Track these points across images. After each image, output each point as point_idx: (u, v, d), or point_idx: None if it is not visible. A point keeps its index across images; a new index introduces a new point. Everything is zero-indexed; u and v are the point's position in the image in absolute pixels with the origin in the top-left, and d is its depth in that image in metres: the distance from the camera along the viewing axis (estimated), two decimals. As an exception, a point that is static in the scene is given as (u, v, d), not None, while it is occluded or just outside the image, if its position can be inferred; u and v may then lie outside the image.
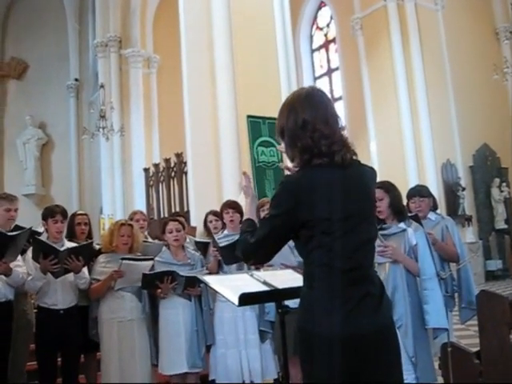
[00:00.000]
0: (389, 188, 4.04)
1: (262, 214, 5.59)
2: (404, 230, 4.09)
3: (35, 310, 5.01)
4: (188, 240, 5.57)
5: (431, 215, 5.07)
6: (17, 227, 4.79)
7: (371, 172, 2.40)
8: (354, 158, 2.32)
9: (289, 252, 3.21)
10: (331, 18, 16.94)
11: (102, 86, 14.28)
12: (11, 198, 5.02)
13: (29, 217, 6.27)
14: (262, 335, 5.00)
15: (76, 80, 17.89)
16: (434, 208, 5.21)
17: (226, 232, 5.28)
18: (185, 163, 11.41)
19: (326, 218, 2.18)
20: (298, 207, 2.19)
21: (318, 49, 17.76)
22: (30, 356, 5.02)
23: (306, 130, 2.25)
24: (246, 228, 2.45)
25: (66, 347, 4.74)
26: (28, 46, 17.96)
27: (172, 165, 12.89)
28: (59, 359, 4.86)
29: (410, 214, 4.89)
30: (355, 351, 2.14)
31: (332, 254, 2.19)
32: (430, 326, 3.93)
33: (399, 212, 4.10)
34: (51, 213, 4.82)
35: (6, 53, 18.26)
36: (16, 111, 17.84)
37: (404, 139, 13.58)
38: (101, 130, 13.71)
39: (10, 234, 4.32)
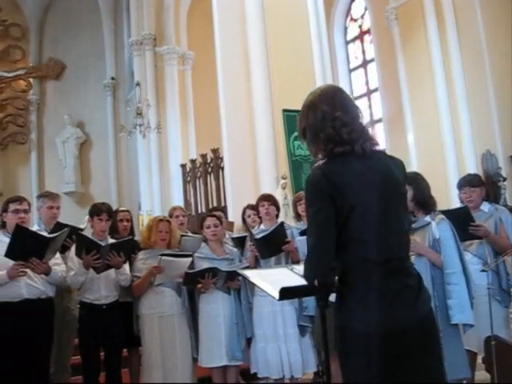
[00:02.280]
0: (412, 180, 3.83)
1: (300, 208, 5.59)
2: (428, 224, 4.00)
3: (78, 306, 5.11)
4: (227, 236, 5.60)
5: (484, 206, 4.82)
6: (58, 224, 4.88)
7: (397, 163, 2.37)
8: (377, 148, 2.32)
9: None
10: (365, 8, 16.75)
11: (137, 84, 14.39)
12: (53, 196, 5.12)
13: (69, 214, 6.37)
14: (302, 329, 5.00)
15: (112, 79, 18.05)
16: (487, 197, 4.94)
17: (262, 226, 5.30)
18: (221, 158, 11.43)
19: (355, 209, 2.16)
20: (330, 199, 2.16)
21: (353, 40, 17.57)
22: (73, 351, 5.12)
23: (327, 121, 2.28)
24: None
25: (108, 342, 4.82)
26: (65, 46, 18.22)
27: (208, 160, 12.93)
28: (102, 353, 4.95)
29: (460, 205, 4.79)
30: (395, 347, 2.10)
31: (366, 247, 2.16)
32: (453, 322, 3.83)
33: (425, 205, 4.02)
34: (97, 211, 4.91)
35: (44, 54, 18.55)
36: (55, 111, 18.12)
37: (442, 130, 13.35)
38: (137, 127, 13.83)
39: (49, 236, 4.40)
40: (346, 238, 2.17)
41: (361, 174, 2.20)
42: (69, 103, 17.81)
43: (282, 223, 5.18)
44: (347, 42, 17.75)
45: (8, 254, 4.22)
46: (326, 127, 2.28)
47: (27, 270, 4.31)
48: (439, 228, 3.99)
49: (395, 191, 2.27)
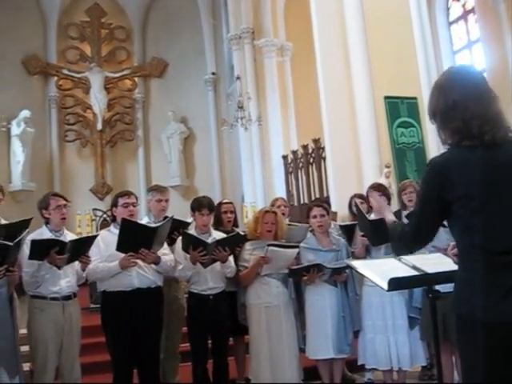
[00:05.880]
0: None
1: (405, 198, 5.46)
2: None
3: (186, 296, 5.27)
4: (332, 226, 5.57)
5: None
6: (166, 218, 5.04)
7: None
8: (510, 135, 2.21)
9: (443, 233, 3.09)
10: (469, -13, 16.09)
11: (238, 78, 14.58)
12: (162, 190, 5.29)
13: (176, 207, 6.53)
14: (411, 321, 4.90)
15: (213, 74, 18.37)
16: None
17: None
18: (323, 148, 11.38)
19: (470, 197, 2.12)
20: (443, 187, 2.17)
21: (456, 21, 16.91)
22: (182, 338, 5.30)
23: (457, 111, 2.20)
24: (395, 226, 2.54)
25: (215, 331, 4.95)
26: (167, 45, 18.72)
27: (310, 151, 12.91)
28: (209, 342, 5.07)
29: None
30: (504, 339, 2.03)
31: (481, 235, 2.11)
32: None
33: None
34: (198, 206, 5.01)
35: (148, 53, 19.16)
36: (159, 108, 18.68)
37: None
38: (239, 120, 14.01)
39: (153, 226, 4.56)
40: (464, 224, 2.16)
41: (484, 163, 2.14)
42: (172, 100, 18.33)
43: (400, 211, 5.07)
44: (450, 23, 17.10)
45: (118, 248, 4.43)
46: (455, 118, 2.21)
47: (138, 261, 4.51)
48: None
49: None
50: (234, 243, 4.97)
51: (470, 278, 2.14)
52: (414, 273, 2.59)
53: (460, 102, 2.20)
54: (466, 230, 2.16)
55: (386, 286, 2.44)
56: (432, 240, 2.38)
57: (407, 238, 2.38)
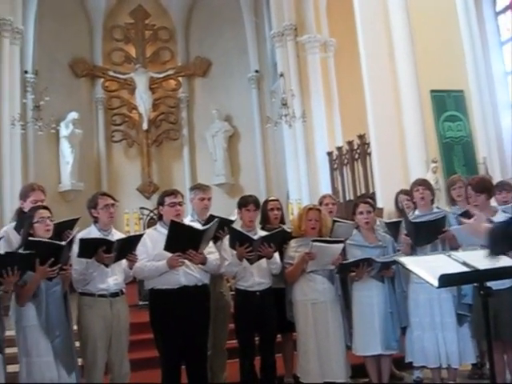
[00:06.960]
0: None
1: (454, 193, 5.37)
2: None
3: (232, 292, 5.31)
4: (378, 222, 5.51)
5: None
6: (211, 217, 5.07)
7: None
8: None
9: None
10: (517, -25, 15.65)
11: (281, 75, 14.56)
12: (204, 188, 5.33)
13: (221, 205, 6.58)
14: (460, 318, 4.83)
15: (256, 71, 18.35)
16: None
17: (417, 212, 5.15)
18: (368, 144, 11.27)
19: None
20: None
21: (503, 11, 16.48)
22: (229, 335, 5.32)
23: None
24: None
25: (262, 327, 4.97)
26: (210, 44, 18.83)
27: (355, 147, 12.80)
28: (257, 338, 5.10)
29: None
30: None
31: None
32: None
33: None
34: (244, 202, 5.11)
35: (191, 53, 19.28)
36: (203, 107, 18.80)
37: None
38: (283, 117, 13.99)
39: (201, 229, 4.62)
40: None
41: None
42: (216, 98, 18.42)
43: (445, 216, 4.98)
44: (497, 13, 16.68)
45: (166, 248, 4.50)
46: None
47: (185, 261, 4.55)
48: None
49: None
50: (279, 239, 4.99)
51: None
52: (465, 269, 2.53)
53: None
54: None
55: (435, 283, 2.39)
56: None
57: None
